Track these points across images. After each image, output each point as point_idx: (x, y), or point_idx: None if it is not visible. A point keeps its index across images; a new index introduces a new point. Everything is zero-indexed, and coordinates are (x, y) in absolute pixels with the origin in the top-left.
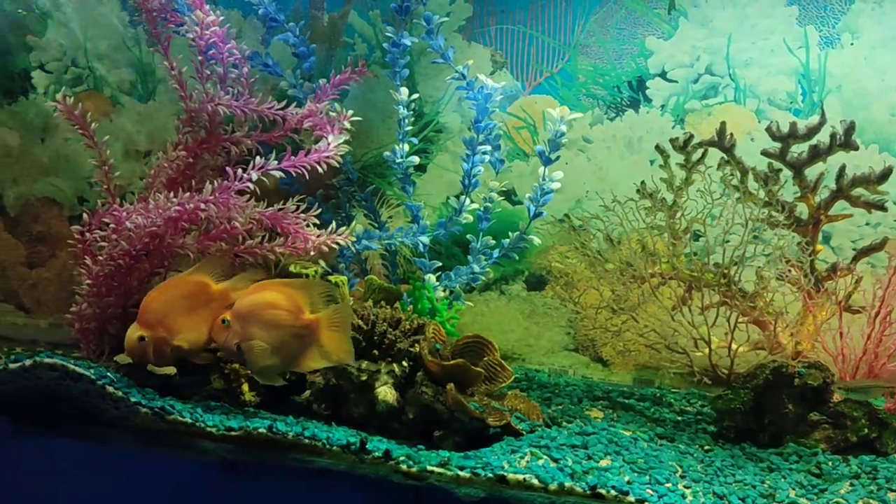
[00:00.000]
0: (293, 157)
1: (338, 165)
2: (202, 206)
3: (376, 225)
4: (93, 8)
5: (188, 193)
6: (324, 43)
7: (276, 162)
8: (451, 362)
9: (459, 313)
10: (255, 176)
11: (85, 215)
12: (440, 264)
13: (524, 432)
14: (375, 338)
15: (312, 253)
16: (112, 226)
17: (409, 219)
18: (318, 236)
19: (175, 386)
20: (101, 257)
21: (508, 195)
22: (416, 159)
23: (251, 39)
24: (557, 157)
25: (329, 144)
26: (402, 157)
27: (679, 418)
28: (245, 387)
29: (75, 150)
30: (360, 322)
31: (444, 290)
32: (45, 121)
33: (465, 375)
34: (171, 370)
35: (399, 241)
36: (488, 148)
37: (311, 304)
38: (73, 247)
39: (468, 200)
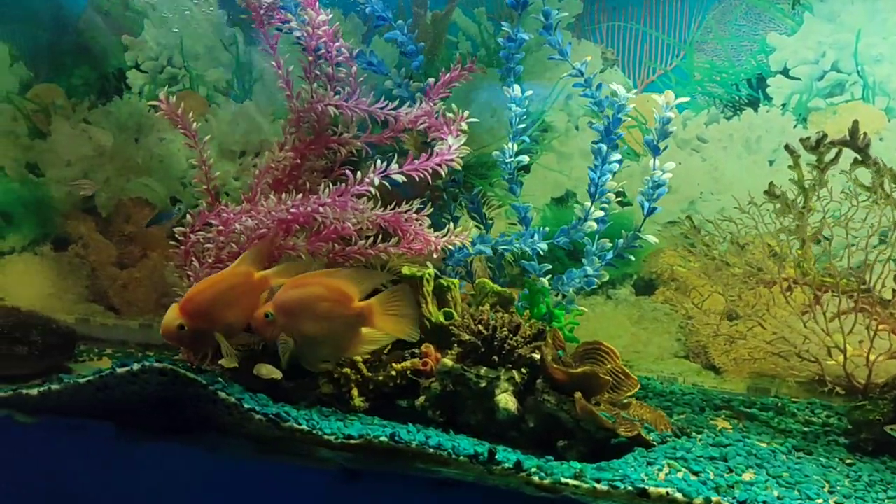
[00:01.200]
0: (416, 162)
1: (460, 168)
2: (320, 209)
3: (482, 227)
4: (190, 7)
5: (300, 195)
6: (427, 41)
7: (397, 165)
8: (579, 370)
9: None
10: (377, 180)
11: (189, 216)
12: (550, 267)
13: (655, 443)
14: (496, 343)
15: (435, 255)
16: (220, 227)
17: (510, 220)
18: (439, 238)
19: (282, 390)
20: (208, 259)
21: (619, 196)
22: (526, 158)
23: (351, 38)
24: (666, 147)
25: (450, 146)
26: (511, 156)
27: (806, 429)
28: (355, 392)
29: (169, 150)
30: (480, 327)
31: (556, 295)
32: (140, 121)
33: (591, 384)
34: (277, 374)
35: (517, 247)
36: (618, 157)
37: (361, 291)
38: (176, 248)
39: (593, 208)
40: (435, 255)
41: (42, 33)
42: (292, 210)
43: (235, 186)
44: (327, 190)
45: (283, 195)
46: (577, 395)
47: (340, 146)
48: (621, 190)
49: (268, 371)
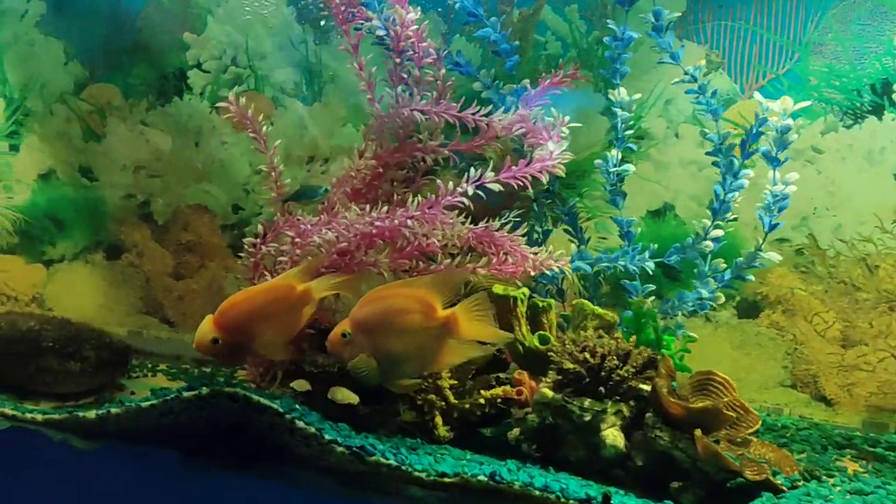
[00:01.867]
0: (514, 168)
1: (563, 174)
2: (408, 222)
3: (577, 242)
4: (257, 4)
5: (384, 207)
6: (513, 41)
7: (493, 173)
8: (700, 405)
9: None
10: (470, 190)
11: (260, 226)
12: (654, 287)
13: (785, 488)
14: (603, 373)
15: (533, 273)
16: (297, 239)
17: (600, 235)
18: (537, 259)
19: (357, 417)
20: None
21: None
22: (631, 167)
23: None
24: (787, 158)
25: (552, 152)
26: (614, 165)
27: None
28: (439, 420)
29: (231, 154)
30: (586, 355)
31: (662, 318)
32: (200, 123)
33: (712, 420)
34: (354, 399)
35: (621, 265)
36: (751, 173)
37: (443, 299)
38: (246, 259)
39: (713, 226)
40: (532, 273)
41: (99, 30)
42: (377, 224)
43: None
44: (415, 202)
45: (364, 206)
46: (698, 433)
47: (425, 154)
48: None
49: (344, 395)
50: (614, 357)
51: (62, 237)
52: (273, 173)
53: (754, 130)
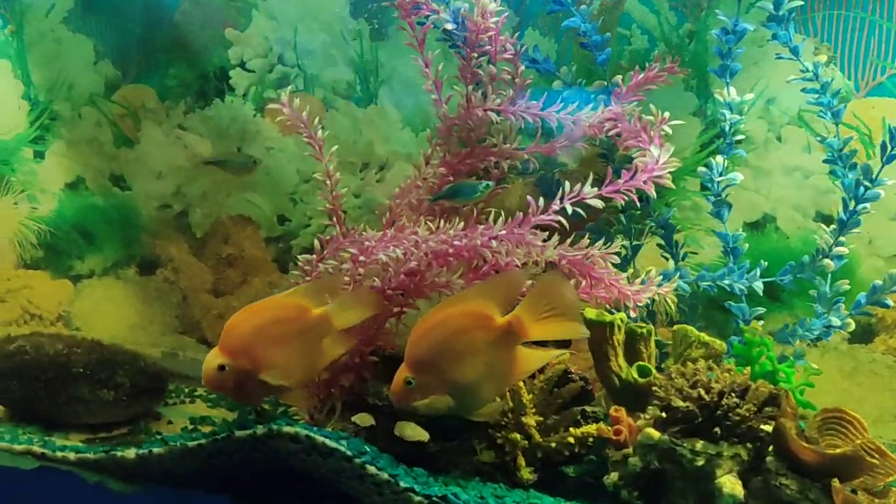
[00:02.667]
0: (619, 181)
1: (672, 185)
2: (492, 243)
3: (674, 259)
4: None
5: (459, 222)
6: None
7: (594, 189)
8: (839, 451)
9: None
10: (569, 207)
11: (316, 241)
12: (763, 310)
13: None
14: (719, 412)
15: (633, 313)
16: (361, 257)
17: (690, 249)
18: (639, 291)
19: (427, 456)
20: None
21: (829, 222)
22: (739, 176)
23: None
24: None
25: (657, 160)
26: (720, 173)
27: None
28: (521, 460)
29: (278, 161)
30: (701, 391)
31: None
32: (244, 127)
33: (850, 468)
34: (424, 435)
35: (726, 285)
36: (889, 182)
37: (500, 304)
38: (300, 278)
39: (843, 239)
40: (633, 314)
41: (132, 27)
42: (455, 243)
43: (355, 204)
44: (500, 219)
45: (431, 219)
46: (836, 483)
47: (500, 159)
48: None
49: (413, 432)
50: (733, 394)
51: (91, 251)
52: (329, 181)
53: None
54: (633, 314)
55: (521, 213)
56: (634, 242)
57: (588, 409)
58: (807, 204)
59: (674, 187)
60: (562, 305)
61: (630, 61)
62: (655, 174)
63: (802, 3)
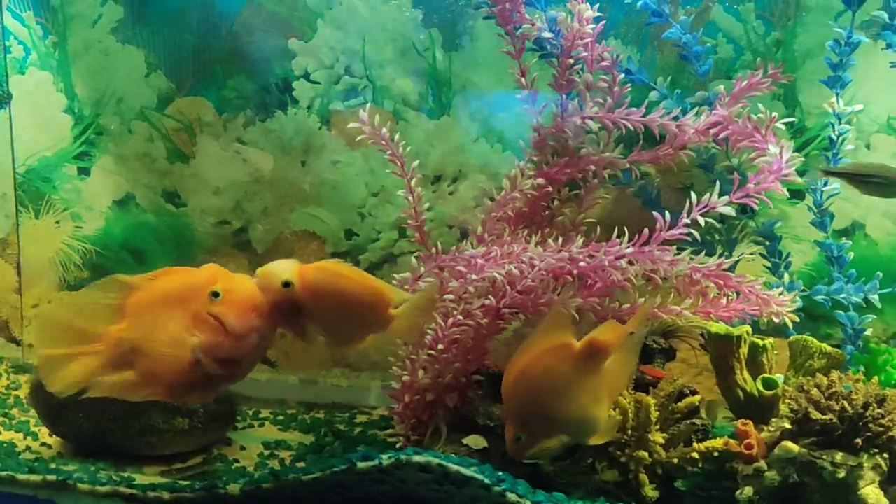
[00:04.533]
0: (750, 185)
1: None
2: (620, 263)
3: (782, 271)
4: (376, 6)
5: (558, 237)
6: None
7: (724, 197)
8: None
9: None
10: (701, 220)
11: (414, 260)
12: (873, 317)
13: None
14: (861, 423)
15: (765, 319)
16: (472, 275)
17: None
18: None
19: (545, 476)
20: (457, 315)
21: None
22: (838, 186)
23: None
24: None
25: (781, 158)
26: (825, 183)
27: None
28: (644, 478)
29: (344, 174)
30: (844, 403)
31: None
32: (308, 140)
33: None
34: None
35: (843, 298)
36: None
37: (571, 330)
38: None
39: None
40: (776, 319)
41: (187, 37)
42: (581, 264)
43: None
44: (623, 237)
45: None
46: None
47: (599, 168)
48: None
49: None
50: (874, 405)
51: (142, 270)
52: (411, 197)
53: None
54: (776, 319)
55: (647, 229)
56: (735, 253)
57: (698, 422)
58: None
59: (805, 186)
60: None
61: (716, 70)
62: (784, 172)
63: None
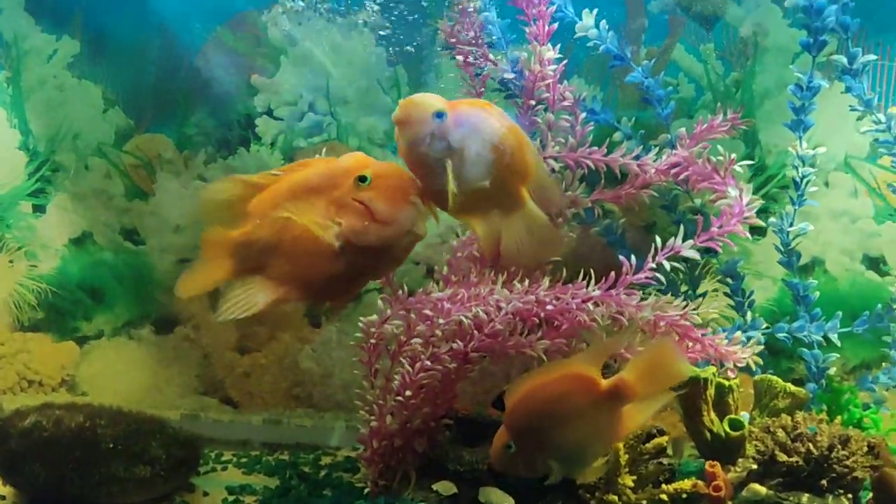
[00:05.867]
0: (714, 229)
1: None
2: (588, 306)
3: (744, 309)
4: (340, 43)
5: (547, 280)
6: None
7: (688, 241)
8: None
9: None
10: (667, 265)
11: (380, 302)
12: (837, 356)
13: None
14: (826, 464)
15: (732, 375)
16: (439, 319)
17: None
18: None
19: None
20: (424, 359)
21: (877, 264)
22: (809, 227)
23: None
24: None
25: (741, 201)
26: (790, 223)
27: None
28: None
29: None
30: (810, 445)
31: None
32: None
33: None
34: (510, 502)
35: (804, 336)
36: None
37: (599, 368)
38: (364, 341)
39: None
40: (732, 374)
41: (146, 73)
42: (548, 307)
43: None
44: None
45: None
46: None
47: (562, 207)
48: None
49: (499, 499)
50: (840, 445)
51: (100, 310)
52: None
53: None
54: (731, 374)
55: (614, 273)
56: (699, 291)
57: (665, 462)
58: (854, 247)
59: (765, 225)
60: (672, 373)
61: (677, 110)
62: (745, 216)
63: (876, 58)
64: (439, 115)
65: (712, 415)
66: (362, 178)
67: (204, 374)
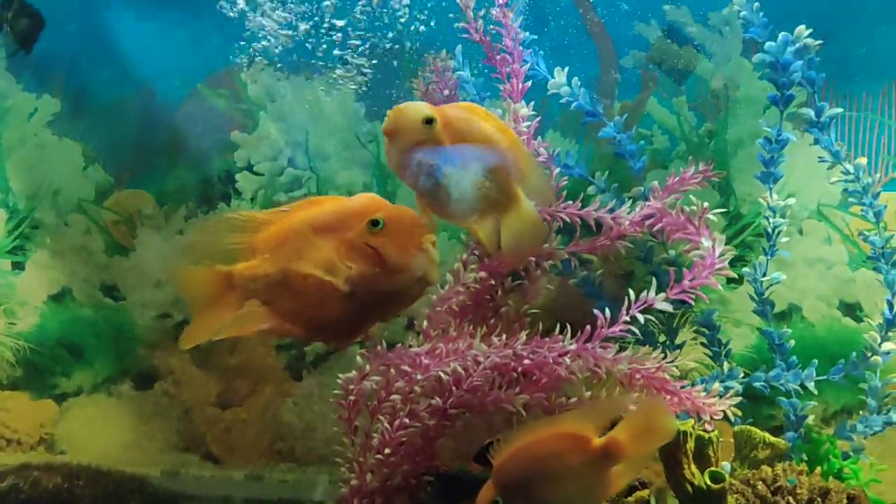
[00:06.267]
0: (686, 282)
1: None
2: (564, 360)
3: (722, 360)
4: (319, 98)
5: (525, 334)
6: None
7: (661, 294)
8: None
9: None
10: (640, 317)
11: (359, 358)
12: (815, 404)
13: None
14: None
15: (710, 427)
16: (417, 375)
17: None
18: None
19: None
20: (403, 416)
21: (852, 311)
22: (782, 276)
23: None
24: None
25: (713, 252)
26: (763, 272)
27: None
28: None
29: None
30: (790, 499)
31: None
32: None
33: None
34: None
35: (780, 385)
36: None
37: (596, 426)
38: (343, 398)
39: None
40: (709, 427)
41: (127, 130)
42: (526, 362)
43: None
44: (567, 332)
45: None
46: None
47: (541, 259)
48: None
49: None
50: (819, 498)
51: (79, 367)
52: None
53: None
54: (709, 427)
55: (590, 326)
56: (677, 341)
57: None
58: (830, 293)
59: (736, 276)
60: (663, 432)
61: (652, 161)
62: (717, 267)
63: (842, 110)
64: (429, 121)
65: (693, 467)
66: (375, 223)
67: (184, 430)
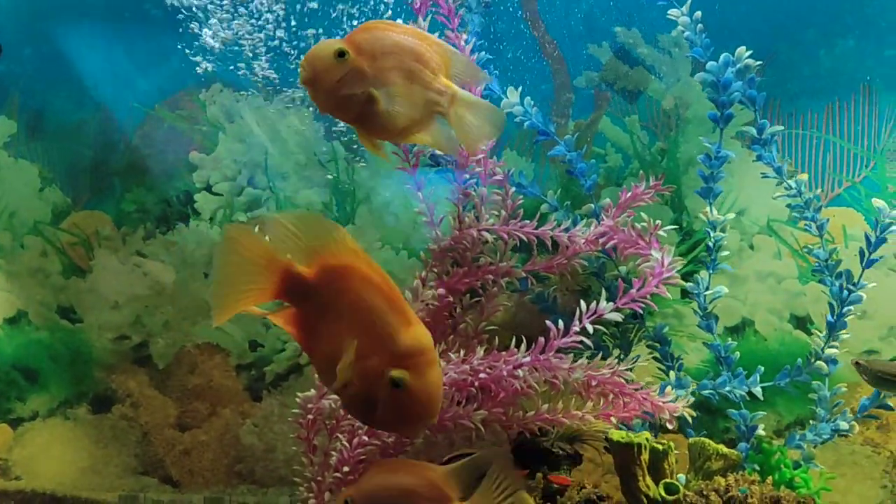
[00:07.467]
0: (633, 291)
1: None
2: (518, 372)
3: (672, 371)
4: (278, 119)
5: (482, 349)
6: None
7: (610, 303)
8: None
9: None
10: (590, 328)
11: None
12: (764, 414)
13: None
14: None
15: (670, 425)
16: None
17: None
18: (668, 398)
19: None
20: (362, 434)
21: (803, 323)
22: (724, 290)
23: None
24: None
25: (663, 263)
26: (706, 287)
27: None
28: None
29: None
30: None
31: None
32: (210, 251)
33: None
34: None
35: (727, 392)
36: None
37: (462, 489)
38: (302, 417)
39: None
40: (670, 425)
41: (84, 151)
42: (481, 376)
43: None
44: (522, 345)
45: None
46: None
47: (498, 277)
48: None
49: None
50: None
51: (35, 391)
52: None
53: (876, 238)
54: (670, 426)
55: (542, 338)
56: (631, 354)
57: None
58: (781, 307)
59: (685, 284)
60: (514, 485)
61: (606, 178)
62: (665, 276)
63: (783, 128)
64: (341, 54)
65: (648, 479)
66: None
67: (143, 453)
